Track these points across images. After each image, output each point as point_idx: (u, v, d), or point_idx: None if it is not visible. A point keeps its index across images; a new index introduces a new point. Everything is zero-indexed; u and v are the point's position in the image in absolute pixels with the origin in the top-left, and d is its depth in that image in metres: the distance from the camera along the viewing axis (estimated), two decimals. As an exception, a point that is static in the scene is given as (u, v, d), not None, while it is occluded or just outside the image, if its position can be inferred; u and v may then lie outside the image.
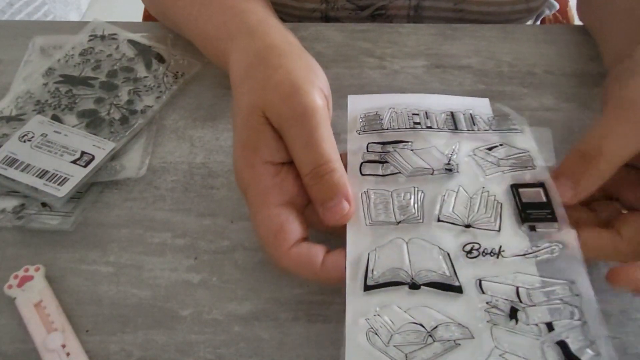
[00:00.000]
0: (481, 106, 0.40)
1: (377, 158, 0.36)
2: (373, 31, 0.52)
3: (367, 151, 0.37)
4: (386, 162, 0.36)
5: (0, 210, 0.38)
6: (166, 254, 0.37)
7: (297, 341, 0.33)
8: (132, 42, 0.50)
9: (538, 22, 0.66)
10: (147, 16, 0.74)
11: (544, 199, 0.33)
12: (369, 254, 0.31)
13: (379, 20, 0.57)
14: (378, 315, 0.29)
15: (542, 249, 0.31)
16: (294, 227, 0.32)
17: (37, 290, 0.35)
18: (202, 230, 0.38)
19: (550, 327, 0.28)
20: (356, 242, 0.32)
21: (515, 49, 0.50)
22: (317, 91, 0.34)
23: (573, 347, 0.27)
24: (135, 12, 0.83)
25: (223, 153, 0.43)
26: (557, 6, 0.62)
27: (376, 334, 0.28)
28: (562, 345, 0.28)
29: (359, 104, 0.40)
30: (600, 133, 0.32)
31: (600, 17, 0.49)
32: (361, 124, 0.38)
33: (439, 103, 0.40)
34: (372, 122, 0.38)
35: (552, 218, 0.32)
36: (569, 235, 0.31)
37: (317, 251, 0.31)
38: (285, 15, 0.57)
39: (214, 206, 0.40)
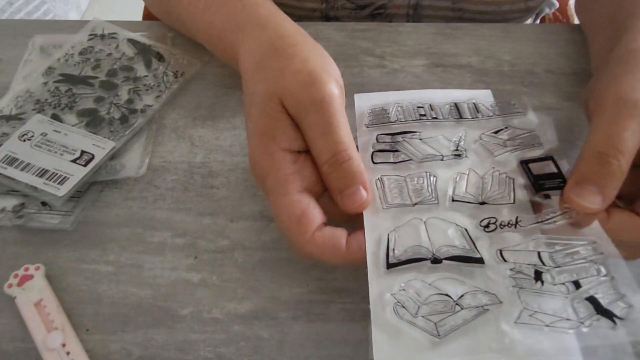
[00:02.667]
0: (484, 96, 0.40)
1: (387, 147, 0.36)
2: (373, 30, 0.52)
3: (377, 142, 0.37)
4: (397, 150, 0.36)
5: (0, 210, 0.38)
6: (166, 253, 0.37)
7: (297, 340, 0.33)
8: (132, 41, 0.50)
9: (538, 21, 0.66)
10: (147, 15, 0.74)
11: (555, 170, 0.33)
12: (388, 234, 0.32)
13: (379, 19, 0.57)
14: (403, 289, 0.29)
15: (559, 215, 0.31)
16: (315, 213, 0.32)
17: (37, 289, 0.35)
18: (202, 229, 0.38)
19: (577, 285, 0.28)
20: (374, 224, 0.32)
21: (516, 48, 0.50)
22: (333, 80, 0.34)
23: (604, 301, 0.27)
24: (135, 11, 0.83)
25: (223, 152, 0.43)
26: (557, 4, 0.62)
27: (403, 307, 0.28)
28: (592, 300, 0.28)
29: (365, 102, 0.40)
30: (611, 132, 0.31)
31: (589, 19, 0.49)
32: (369, 119, 0.39)
33: (442, 96, 0.40)
34: (380, 117, 0.39)
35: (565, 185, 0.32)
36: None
37: (340, 234, 0.32)
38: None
39: (214, 205, 0.40)
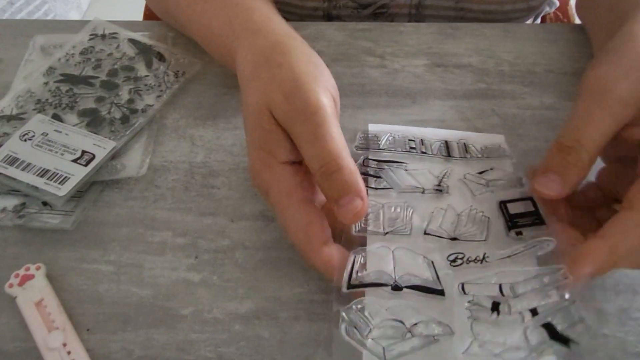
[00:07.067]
0: (497, 139, 0.40)
1: (372, 172, 0.37)
2: (374, 30, 0.52)
3: (363, 165, 0.37)
4: (379, 177, 0.37)
5: (1, 209, 0.38)
6: (167, 253, 0.37)
7: (297, 340, 0.33)
8: (132, 41, 0.50)
9: (539, 21, 0.66)
10: (148, 15, 0.74)
11: (533, 209, 0.33)
12: (355, 255, 0.32)
13: (381, 19, 0.57)
14: (358, 311, 0.30)
15: (529, 247, 0.31)
16: (323, 224, 0.32)
17: (38, 289, 0.35)
18: (202, 229, 0.38)
19: (534, 312, 0.28)
20: (349, 242, 0.33)
21: (516, 47, 0.50)
22: (321, 88, 0.33)
23: (561, 327, 0.28)
24: (135, 11, 0.83)
25: (224, 152, 0.43)
26: (557, 3, 0.62)
27: (355, 327, 0.29)
28: (548, 326, 0.28)
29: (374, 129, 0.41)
30: (576, 124, 0.32)
31: (591, 14, 0.49)
32: (360, 142, 0.39)
33: (442, 134, 0.41)
34: (370, 142, 0.39)
35: (541, 222, 0.32)
36: (559, 232, 0.32)
37: (346, 256, 0.32)
38: (288, 13, 0.57)
39: (215, 205, 0.40)
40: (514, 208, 0.34)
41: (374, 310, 0.30)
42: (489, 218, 0.34)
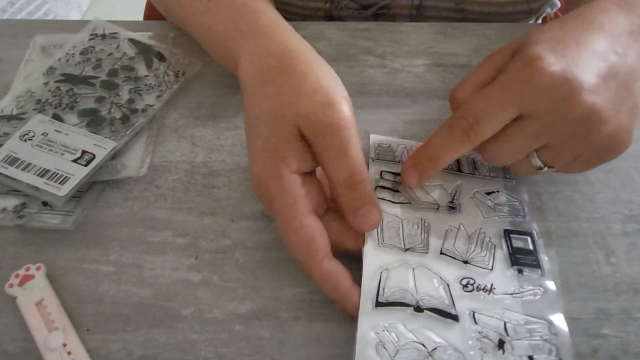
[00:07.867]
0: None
1: (390, 186, 0.38)
2: (374, 30, 0.52)
3: (381, 177, 0.39)
4: (397, 191, 0.38)
5: (1, 210, 0.38)
6: (167, 253, 0.37)
7: (298, 340, 0.33)
8: (132, 41, 0.50)
9: (540, 21, 0.66)
10: (148, 15, 0.74)
11: (531, 247, 0.36)
12: (381, 272, 0.33)
13: (382, 20, 0.57)
14: (386, 331, 0.31)
15: (527, 291, 0.34)
16: (325, 238, 0.33)
17: (38, 289, 0.35)
18: (202, 229, 0.38)
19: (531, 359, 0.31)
20: (372, 257, 0.34)
21: (517, 47, 0.50)
22: (346, 103, 0.34)
23: None
24: (136, 11, 0.83)
25: (224, 152, 0.43)
26: (559, 4, 0.62)
27: (384, 347, 0.30)
28: None
29: (375, 139, 0.43)
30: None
31: None
32: (375, 152, 0.41)
33: None
34: (385, 153, 0.41)
35: (537, 265, 0.35)
36: (550, 283, 0.34)
37: (346, 273, 0.33)
38: (289, 14, 0.57)
39: (215, 205, 0.40)
40: (516, 241, 0.36)
41: (399, 331, 0.31)
42: (495, 246, 0.36)
